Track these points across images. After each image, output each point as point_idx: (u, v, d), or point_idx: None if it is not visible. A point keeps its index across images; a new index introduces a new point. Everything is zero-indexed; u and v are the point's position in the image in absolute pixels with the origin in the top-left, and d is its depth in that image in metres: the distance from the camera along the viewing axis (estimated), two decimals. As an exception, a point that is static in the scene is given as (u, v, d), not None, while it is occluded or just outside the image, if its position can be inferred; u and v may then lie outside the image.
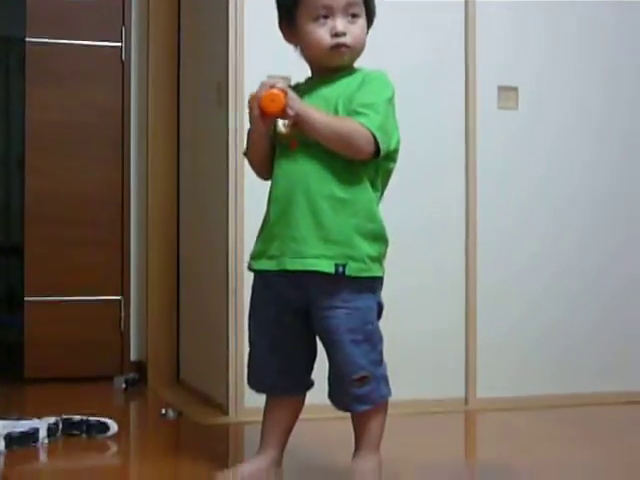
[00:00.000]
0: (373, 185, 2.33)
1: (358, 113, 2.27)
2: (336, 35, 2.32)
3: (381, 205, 2.36)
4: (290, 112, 2.25)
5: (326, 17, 2.33)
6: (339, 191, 2.29)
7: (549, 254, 3.70)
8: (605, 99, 3.78)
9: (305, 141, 2.30)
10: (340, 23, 2.33)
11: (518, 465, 2.69)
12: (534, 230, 3.68)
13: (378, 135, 2.26)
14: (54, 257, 4.15)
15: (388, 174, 2.38)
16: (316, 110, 2.28)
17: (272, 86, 2.25)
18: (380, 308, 2.38)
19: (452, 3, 3.56)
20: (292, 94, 2.26)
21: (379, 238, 2.33)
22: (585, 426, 3.34)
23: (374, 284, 2.35)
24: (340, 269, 2.27)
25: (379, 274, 2.34)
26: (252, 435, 3.00)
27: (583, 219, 3.76)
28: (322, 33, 2.33)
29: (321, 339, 2.36)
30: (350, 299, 2.29)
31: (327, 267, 2.27)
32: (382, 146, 2.28)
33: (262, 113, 2.28)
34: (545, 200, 3.69)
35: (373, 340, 2.33)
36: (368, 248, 2.30)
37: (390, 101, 2.34)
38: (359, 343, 2.30)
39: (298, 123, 2.27)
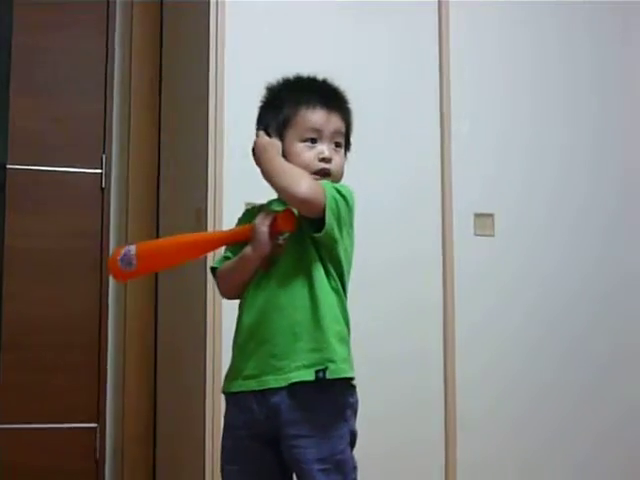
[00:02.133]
0: (333, 281, 2.33)
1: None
2: (323, 160, 2.36)
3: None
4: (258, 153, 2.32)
5: (314, 141, 2.37)
6: (308, 301, 2.28)
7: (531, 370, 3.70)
8: (580, 224, 3.84)
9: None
10: (327, 149, 2.37)
11: None
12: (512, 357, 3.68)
13: (324, 190, 2.25)
14: (26, 384, 4.09)
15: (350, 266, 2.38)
16: (277, 160, 2.31)
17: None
18: (353, 437, 2.35)
19: (428, 127, 3.63)
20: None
21: (345, 341, 2.31)
22: None
23: (347, 400, 2.31)
24: (320, 374, 2.25)
25: (351, 374, 2.31)
26: None
27: (561, 342, 3.77)
28: (310, 155, 2.35)
29: (292, 469, 2.32)
30: (320, 428, 2.27)
31: (309, 375, 2.25)
32: (327, 217, 2.25)
33: (276, 231, 2.30)
34: (527, 325, 3.71)
35: (344, 470, 2.29)
36: (340, 350, 2.28)
37: (346, 203, 2.32)
38: (329, 472, 2.26)
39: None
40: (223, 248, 2.47)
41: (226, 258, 2.43)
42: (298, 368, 2.26)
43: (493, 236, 3.69)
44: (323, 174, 2.35)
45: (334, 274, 2.33)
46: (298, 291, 2.30)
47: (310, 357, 2.26)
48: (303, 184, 2.24)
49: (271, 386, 2.27)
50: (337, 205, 2.28)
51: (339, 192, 2.31)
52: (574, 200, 3.83)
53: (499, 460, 3.61)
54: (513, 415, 3.66)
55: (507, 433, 3.64)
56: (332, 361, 2.26)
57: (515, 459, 3.64)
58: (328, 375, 2.25)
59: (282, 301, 2.30)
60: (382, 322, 3.47)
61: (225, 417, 2.42)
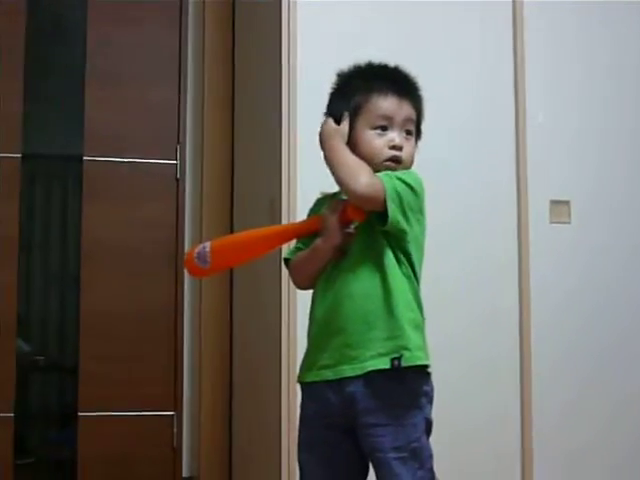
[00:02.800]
0: (405, 267, 2.32)
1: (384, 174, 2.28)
2: (393, 147, 2.35)
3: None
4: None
5: (384, 128, 2.36)
6: (380, 289, 2.28)
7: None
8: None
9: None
10: (398, 137, 2.35)
11: None
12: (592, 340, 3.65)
13: (387, 191, 2.24)
14: (108, 373, 4.16)
15: (415, 250, 2.35)
16: (340, 145, 2.32)
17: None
18: (429, 424, 2.35)
19: (502, 118, 3.61)
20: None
21: (419, 328, 2.31)
22: None
23: (422, 388, 2.30)
24: (396, 362, 2.25)
25: (427, 362, 2.30)
26: None
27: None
28: (380, 143, 2.33)
29: (367, 456, 2.33)
30: (395, 416, 2.27)
31: (384, 364, 2.25)
32: (390, 211, 2.24)
33: (345, 220, 2.30)
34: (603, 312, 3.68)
35: (420, 457, 2.29)
36: (415, 337, 2.28)
37: (415, 192, 2.31)
38: (405, 460, 2.26)
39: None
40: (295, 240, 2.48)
41: (298, 249, 2.44)
42: (373, 357, 2.26)
43: (569, 223, 3.65)
44: (394, 161, 2.34)
45: (405, 261, 2.31)
46: (369, 279, 2.29)
47: (385, 345, 2.25)
48: (361, 180, 2.23)
49: (347, 375, 2.27)
50: (400, 196, 2.26)
51: (403, 181, 2.28)
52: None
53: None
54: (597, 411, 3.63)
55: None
56: (407, 349, 2.25)
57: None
58: (403, 363, 2.25)
59: (354, 290, 2.29)
60: (460, 312, 3.45)
61: (301, 407, 2.43)
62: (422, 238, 2.36)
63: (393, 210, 2.24)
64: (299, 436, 2.42)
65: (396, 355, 2.25)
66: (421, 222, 2.34)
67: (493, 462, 3.47)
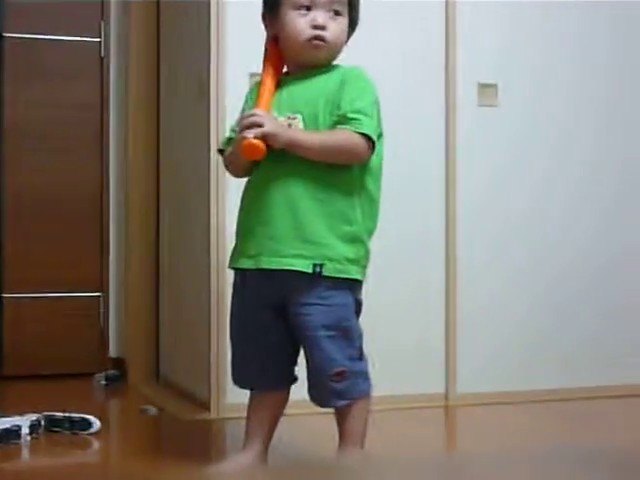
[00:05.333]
0: (361, 185, 2.34)
1: (350, 119, 2.28)
2: (315, 27, 2.33)
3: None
4: (276, 146, 2.26)
5: (308, 8, 2.34)
6: (317, 192, 2.30)
7: (540, 265, 3.69)
8: (600, 101, 3.78)
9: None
10: (321, 16, 2.33)
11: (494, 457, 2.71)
12: (523, 240, 3.68)
13: (375, 138, 2.29)
14: (32, 254, 4.13)
15: (378, 169, 2.38)
16: (303, 133, 2.30)
17: (247, 128, 2.26)
18: (359, 305, 2.39)
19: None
20: (272, 130, 2.25)
21: (356, 240, 2.33)
22: (563, 418, 3.37)
23: (352, 285, 2.36)
24: (317, 269, 2.28)
25: (357, 277, 2.35)
26: (234, 431, 3.03)
27: (580, 226, 3.75)
28: (302, 23, 2.33)
29: (298, 336, 2.37)
30: (326, 296, 2.30)
31: (304, 267, 2.28)
32: (377, 147, 2.30)
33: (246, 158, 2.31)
34: (537, 208, 3.70)
35: (350, 336, 2.34)
36: (345, 250, 2.31)
37: (377, 101, 2.35)
38: (335, 339, 2.30)
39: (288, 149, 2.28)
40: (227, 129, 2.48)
41: (230, 139, 2.44)
42: (295, 256, 2.30)
43: (497, 107, 3.66)
44: (317, 40, 2.33)
45: (357, 176, 2.35)
46: (308, 181, 2.31)
47: (308, 249, 2.30)
48: (356, 150, 2.28)
49: (264, 267, 2.32)
50: (380, 131, 2.34)
51: (376, 103, 2.33)
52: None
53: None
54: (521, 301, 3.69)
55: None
56: (331, 259, 2.30)
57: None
58: (325, 272, 2.30)
59: (290, 190, 2.31)
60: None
61: (233, 288, 2.45)
62: (381, 149, 2.37)
63: (379, 144, 2.33)
64: (231, 316, 2.46)
65: (318, 262, 2.28)
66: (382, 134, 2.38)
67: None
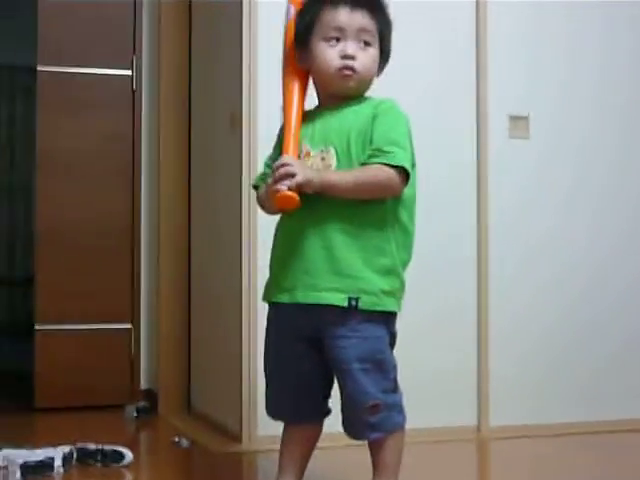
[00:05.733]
0: (394, 217, 2.34)
1: (384, 152, 2.27)
2: (345, 57, 2.34)
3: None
4: (311, 191, 2.27)
5: (338, 40, 2.35)
6: (351, 226, 2.30)
7: (564, 282, 3.70)
8: (620, 130, 3.80)
9: None
10: (350, 47, 2.34)
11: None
12: (549, 258, 3.68)
13: (410, 171, 2.29)
14: (65, 285, 4.15)
15: (411, 200, 2.39)
16: (335, 175, 2.29)
17: (280, 179, 2.25)
18: (393, 337, 2.39)
19: (463, 30, 3.59)
20: (305, 179, 2.24)
21: (391, 273, 2.33)
22: (600, 451, 3.34)
23: (387, 317, 2.35)
24: (353, 302, 2.28)
25: (393, 309, 2.35)
26: (266, 464, 3.02)
27: (601, 246, 3.77)
28: (332, 53, 2.34)
29: (332, 368, 2.36)
30: (360, 329, 2.29)
31: (340, 301, 2.28)
32: (410, 179, 2.30)
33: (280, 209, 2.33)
34: (561, 229, 3.71)
35: (384, 368, 2.33)
36: (380, 282, 2.30)
37: (409, 133, 2.35)
38: (369, 372, 2.30)
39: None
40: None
41: (264, 175, 2.44)
42: (330, 290, 2.29)
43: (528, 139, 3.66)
44: (346, 69, 2.34)
45: (390, 208, 2.35)
46: (340, 214, 2.30)
47: (344, 282, 2.28)
48: (390, 184, 2.28)
49: (300, 301, 2.32)
50: (414, 161, 2.34)
51: (409, 135, 2.33)
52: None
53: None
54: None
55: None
56: (366, 292, 2.29)
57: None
58: (360, 305, 2.28)
59: (322, 218, 2.30)
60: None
61: (268, 321, 2.46)
62: (414, 180, 2.38)
63: (413, 175, 2.33)
64: (266, 348, 2.45)
65: (354, 295, 2.28)
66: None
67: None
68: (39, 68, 4.19)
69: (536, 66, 3.69)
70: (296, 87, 2.39)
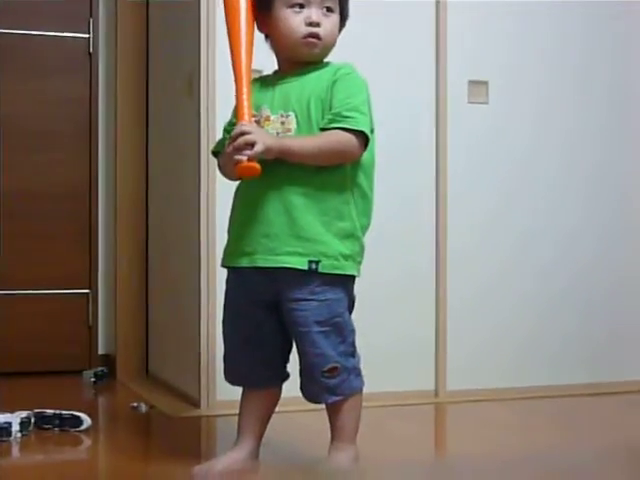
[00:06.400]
0: (353, 182, 2.34)
1: (344, 117, 2.28)
2: (310, 25, 2.34)
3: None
4: (270, 157, 2.26)
5: (302, 6, 2.35)
6: (310, 190, 2.30)
7: (524, 247, 3.72)
8: (576, 93, 3.81)
9: None
10: (315, 13, 2.34)
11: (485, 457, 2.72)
12: (506, 222, 3.70)
13: (369, 136, 2.29)
14: (22, 251, 4.12)
15: (370, 164, 2.39)
16: (295, 141, 2.30)
17: (239, 149, 2.24)
18: (352, 301, 2.40)
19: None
20: (264, 147, 2.23)
21: (351, 236, 2.34)
22: (552, 416, 3.39)
23: (346, 281, 2.36)
24: (313, 266, 2.29)
25: (353, 272, 2.36)
26: (224, 428, 3.03)
27: (562, 206, 3.78)
28: (296, 21, 2.34)
29: (291, 331, 2.37)
30: (319, 291, 2.31)
31: (300, 264, 2.29)
32: (370, 145, 2.31)
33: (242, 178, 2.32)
34: (518, 195, 3.72)
35: (343, 332, 2.34)
36: (340, 246, 2.31)
37: (368, 98, 2.35)
38: (328, 334, 2.31)
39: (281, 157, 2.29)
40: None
41: (223, 140, 2.43)
42: (290, 253, 2.30)
43: (487, 104, 3.67)
44: (312, 37, 2.34)
45: (349, 172, 2.35)
46: (300, 178, 2.31)
47: (304, 246, 2.30)
48: (350, 149, 2.28)
49: (259, 265, 2.32)
50: (373, 126, 2.34)
51: (367, 100, 2.33)
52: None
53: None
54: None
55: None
56: (326, 255, 2.30)
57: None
58: (320, 269, 2.30)
59: (282, 182, 2.31)
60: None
61: (226, 285, 2.45)
62: (373, 145, 2.38)
63: (372, 140, 2.34)
64: (224, 312, 2.46)
65: (314, 259, 2.28)
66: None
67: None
68: (-4, 30, 4.15)
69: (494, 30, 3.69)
70: (244, 50, 2.38)
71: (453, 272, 3.60)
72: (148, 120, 4.12)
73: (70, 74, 4.22)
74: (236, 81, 2.35)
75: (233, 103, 2.47)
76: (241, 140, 2.24)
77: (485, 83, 3.66)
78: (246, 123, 2.28)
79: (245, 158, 2.23)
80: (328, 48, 2.40)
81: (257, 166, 2.23)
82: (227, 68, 3.13)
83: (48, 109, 4.17)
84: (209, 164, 3.24)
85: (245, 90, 2.33)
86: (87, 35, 4.23)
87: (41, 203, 4.15)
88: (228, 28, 2.41)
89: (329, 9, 2.37)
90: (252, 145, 2.23)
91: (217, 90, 3.29)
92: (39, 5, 4.17)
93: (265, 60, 2.49)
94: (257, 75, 2.49)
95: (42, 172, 4.16)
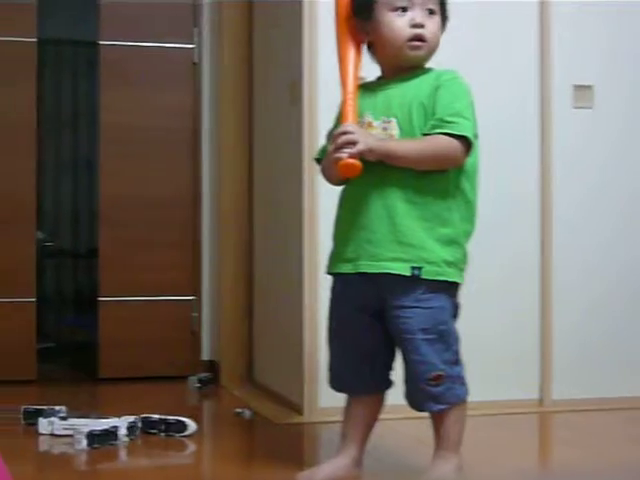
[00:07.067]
0: (456, 187, 2.33)
1: (448, 122, 2.27)
2: (415, 26, 2.33)
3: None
4: (373, 159, 2.26)
5: (404, 9, 2.34)
6: (413, 196, 2.29)
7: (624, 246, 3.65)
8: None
9: None
10: (419, 15, 2.33)
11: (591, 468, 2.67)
12: (607, 212, 3.63)
13: (474, 141, 2.28)
14: (128, 258, 4.19)
15: (473, 169, 2.37)
16: (398, 144, 2.29)
17: (341, 147, 2.25)
18: (456, 308, 2.38)
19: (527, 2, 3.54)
20: (367, 146, 2.25)
21: (453, 243, 2.32)
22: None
23: (450, 288, 2.35)
24: (416, 272, 2.28)
25: (456, 279, 2.34)
26: (327, 435, 3.03)
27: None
28: (401, 23, 2.33)
29: (396, 338, 2.36)
30: (423, 299, 2.30)
31: (403, 270, 2.28)
32: (473, 150, 2.29)
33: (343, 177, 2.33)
34: (626, 199, 3.65)
35: (447, 340, 2.33)
36: (442, 252, 2.30)
37: (472, 103, 2.34)
38: (432, 342, 2.30)
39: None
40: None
41: (325, 147, 2.44)
42: (393, 259, 2.29)
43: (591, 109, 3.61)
44: (417, 40, 2.33)
45: (453, 178, 2.33)
46: (404, 184, 2.30)
47: (407, 251, 2.29)
48: (453, 154, 2.27)
49: (363, 270, 2.32)
50: (476, 132, 2.32)
51: (471, 105, 2.32)
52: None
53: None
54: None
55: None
56: (429, 261, 2.29)
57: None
58: (423, 275, 2.29)
59: (385, 188, 2.30)
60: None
61: (331, 292, 2.46)
62: (476, 150, 2.37)
63: (475, 145, 2.32)
64: (329, 320, 2.46)
65: (417, 265, 2.28)
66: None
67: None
68: (101, 42, 4.22)
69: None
70: (352, 57, 2.38)
71: (559, 276, 3.54)
72: (252, 128, 4.16)
73: (175, 84, 4.28)
74: (343, 85, 2.36)
75: (335, 111, 2.48)
76: (343, 138, 2.25)
77: (590, 87, 3.59)
78: (349, 124, 2.28)
79: (345, 155, 2.23)
80: (432, 50, 2.38)
81: (358, 163, 2.23)
82: (330, 77, 3.18)
83: (153, 119, 4.24)
84: (312, 171, 3.25)
85: (351, 95, 2.34)
86: (192, 45, 4.28)
87: (147, 211, 4.22)
88: (337, 33, 2.42)
89: (431, 11, 2.36)
90: (354, 144, 2.23)
91: (319, 98, 3.30)
92: (144, 17, 4.25)
93: (367, 67, 2.49)
94: (360, 82, 2.49)
95: (147, 181, 4.22)
